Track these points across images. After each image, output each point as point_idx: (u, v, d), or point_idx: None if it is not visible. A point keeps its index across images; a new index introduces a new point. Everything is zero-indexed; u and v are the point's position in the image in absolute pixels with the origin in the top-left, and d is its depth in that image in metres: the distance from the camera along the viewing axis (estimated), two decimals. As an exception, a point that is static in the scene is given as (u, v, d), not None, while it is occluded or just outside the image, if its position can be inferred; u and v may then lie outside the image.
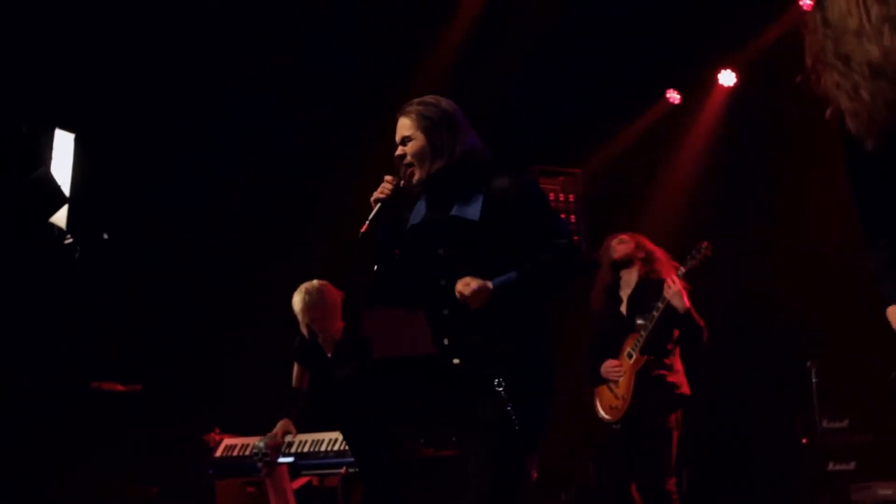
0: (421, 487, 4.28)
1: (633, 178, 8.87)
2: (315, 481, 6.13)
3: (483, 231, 4.17)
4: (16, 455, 5.50)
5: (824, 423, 7.38)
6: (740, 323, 8.14)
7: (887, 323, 3.25)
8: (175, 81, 7.78)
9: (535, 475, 6.98)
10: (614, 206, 8.58)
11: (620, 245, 6.61)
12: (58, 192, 5.51)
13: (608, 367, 6.50)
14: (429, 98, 4.38)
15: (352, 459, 5.69)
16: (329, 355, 6.41)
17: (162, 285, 7.81)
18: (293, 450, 6.04)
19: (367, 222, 4.25)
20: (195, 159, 7.94)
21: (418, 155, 4.27)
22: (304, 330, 6.44)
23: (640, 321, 6.41)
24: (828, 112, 3.22)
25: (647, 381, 6.38)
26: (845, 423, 7.44)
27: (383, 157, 4.54)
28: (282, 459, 5.93)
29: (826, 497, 7.27)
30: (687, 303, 6.28)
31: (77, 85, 7.05)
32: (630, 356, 6.40)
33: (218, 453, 6.31)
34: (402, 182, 4.30)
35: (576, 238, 7.83)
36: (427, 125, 4.28)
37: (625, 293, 6.61)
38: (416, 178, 4.27)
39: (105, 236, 5.93)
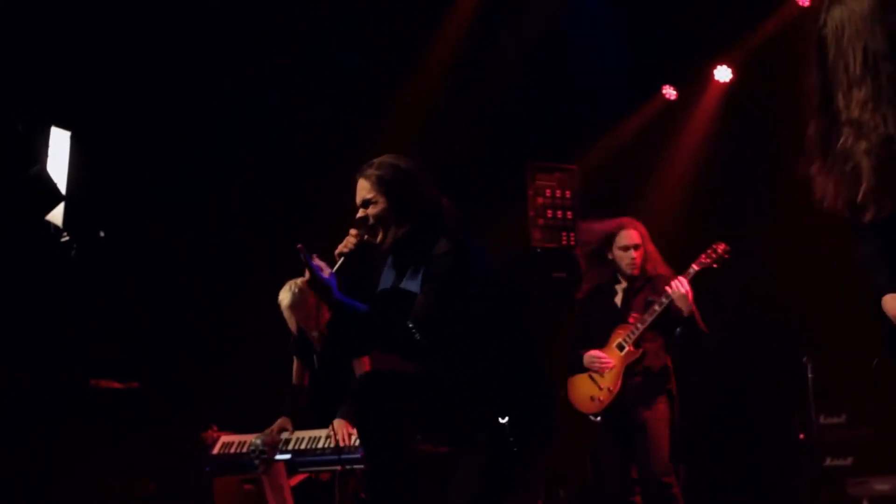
0: (420, 485, 4.33)
1: (629, 175, 8.87)
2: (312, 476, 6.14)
3: None
4: (13, 453, 5.50)
5: (821, 419, 7.39)
6: (737, 319, 8.15)
7: (881, 314, 3.26)
8: (174, 81, 7.77)
9: None
10: (611, 202, 8.58)
11: (634, 232, 6.48)
12: (54, 189, 5.51)
13: (594, 356, 6.39)
14: (387, 159, 4.42)
15: (348, 456, 5.72)
16: (318, 350, 6.40)
17: (159, 283, 7.80)
18: (290, 447, 6.04)
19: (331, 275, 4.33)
20: (195, 159, 7.93)
21: (381, 218, 4.34)
22: (291, 326, 6.44)
23: (636, 314, 6.36)
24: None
25: (634, 373, 6.33)
26: (842, 418, 7.44)
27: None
28: (279, 456, 5.93)
29: (823, 492, 7.28)
30: (692, 305, 6.24)
31: (74, 83, 7.04)
32: (621, 348, 6.32)
33: (215, 451, 6.30)
34: (367, 237, 4.35)
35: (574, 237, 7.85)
36: (388, 189, 4.33)
37: (620, 286, 6.54)
38: (378, 240, 4.32)
39: (102, 234, 5.94)
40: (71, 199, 5.71)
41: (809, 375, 7.30)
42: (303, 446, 6.01)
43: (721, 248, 6.32)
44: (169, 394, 7.15)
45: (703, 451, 7.61)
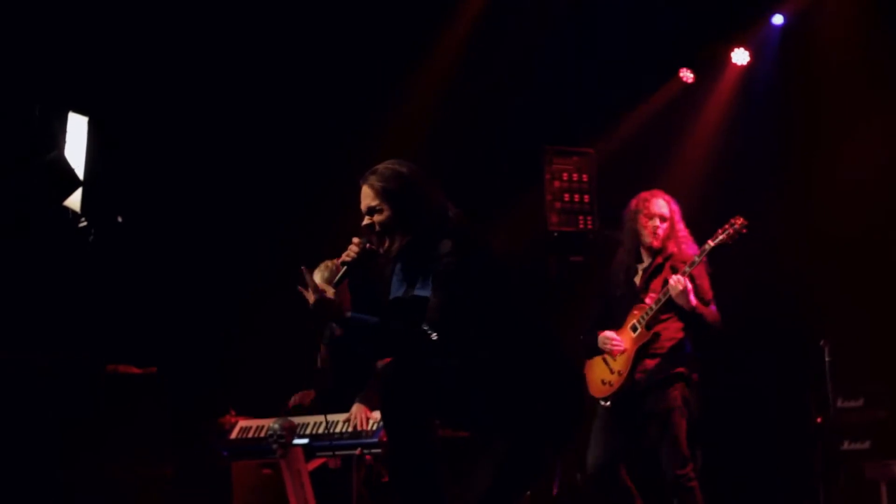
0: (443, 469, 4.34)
1: (646, 158, 8.84)
2: (330, 463, 6.14)
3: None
4: (31, 437, 5.53)
5: (839, 402, 7.38)
6: (753, 303, 8.12)
7: None
8: (191, 65, 7.79)
9: (556, 491, 6.96)
10: (628, 185, 8.56)
11: (664, 203, 6.34)
12: (72, 175, 5.53)
13: (606, 337, 6.23)
14: (389, 165, 4.39)
15: (366, 441, 5.74)
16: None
17: (177, 268, 7.82)
18: (308, 431, 6.05)
19: (334, 284, 4.34)
20: (213, 143, 7.94)
21: (387, 226, 4.33)
22: None
23: (652, 294, 6.18)
24: None
25: (646, 356, 6.16)
26: (860, 401, 7.43)
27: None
28: (297, 441, 5.94)
29: (841, 476, 7.28)
30: (693, 301, 6.02)
31: (91, 68, 7.06)
32: (635, 329, 6.17)
33: (233, 435, 6.32)
34: (369, 245, 4.35)
35: (590, 220, 7.84)
36: (391, 197, 4.31)
37: (642, 265, 6.37)
38: (385, 248, 4.32)
39: (119, 219, 5.95)
40: (89, 185, 5.72)
41: (827, 359, 7.28)
42: (321, 431, 6.02)
43: (739, 222, 6.08)
44: (187, 379, 7.17)
45: (721, 435, 7.59)
